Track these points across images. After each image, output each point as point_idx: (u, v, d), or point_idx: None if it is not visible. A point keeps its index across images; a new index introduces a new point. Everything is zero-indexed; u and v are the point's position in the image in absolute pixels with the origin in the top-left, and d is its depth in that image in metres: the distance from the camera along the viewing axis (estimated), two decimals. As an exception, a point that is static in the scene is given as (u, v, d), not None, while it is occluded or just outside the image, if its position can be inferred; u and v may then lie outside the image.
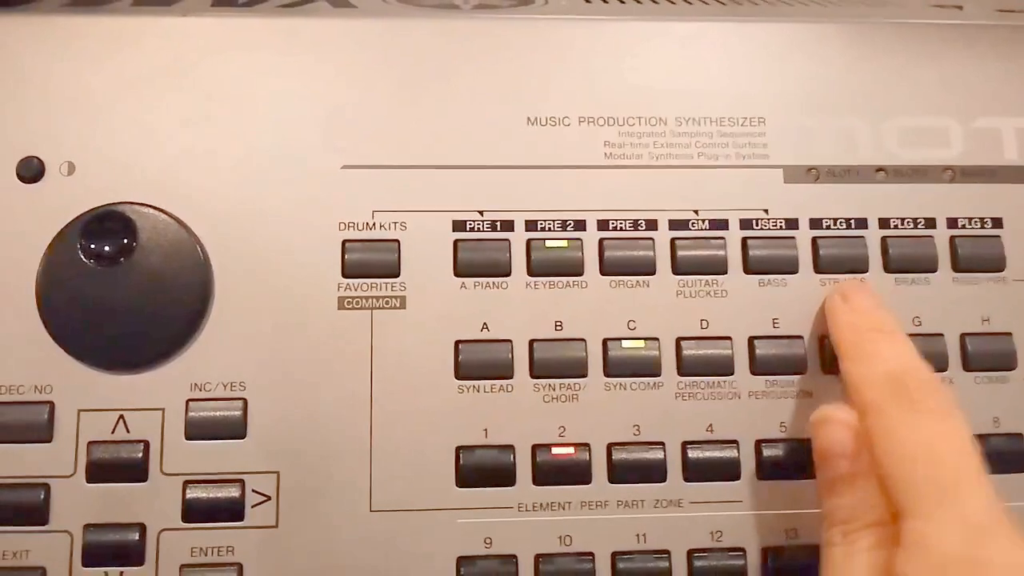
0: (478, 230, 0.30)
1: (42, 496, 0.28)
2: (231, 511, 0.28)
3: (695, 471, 0.30)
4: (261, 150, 0.30)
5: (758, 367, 0.30)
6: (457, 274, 0.30)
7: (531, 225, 0.30)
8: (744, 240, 0.31)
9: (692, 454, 0.30)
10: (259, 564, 0.28)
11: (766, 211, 0.31)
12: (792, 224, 0.31)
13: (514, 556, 0.29)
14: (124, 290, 0.28)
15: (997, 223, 0.32)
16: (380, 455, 0.29)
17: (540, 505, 0.29)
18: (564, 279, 0.30)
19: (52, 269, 0.29)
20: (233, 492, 0.29)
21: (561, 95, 0.31)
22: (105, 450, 0.28)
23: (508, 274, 0.30)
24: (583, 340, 0.30)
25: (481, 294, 0.30)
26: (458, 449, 0.29)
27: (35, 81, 0.30)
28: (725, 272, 0.31)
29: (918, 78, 0.33)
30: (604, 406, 0.30)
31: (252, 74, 0.31)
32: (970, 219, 0.32)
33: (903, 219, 0.32)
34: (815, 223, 0.31)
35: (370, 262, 0.30)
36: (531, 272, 0.30)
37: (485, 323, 0.30)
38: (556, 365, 0.30)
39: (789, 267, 0.31)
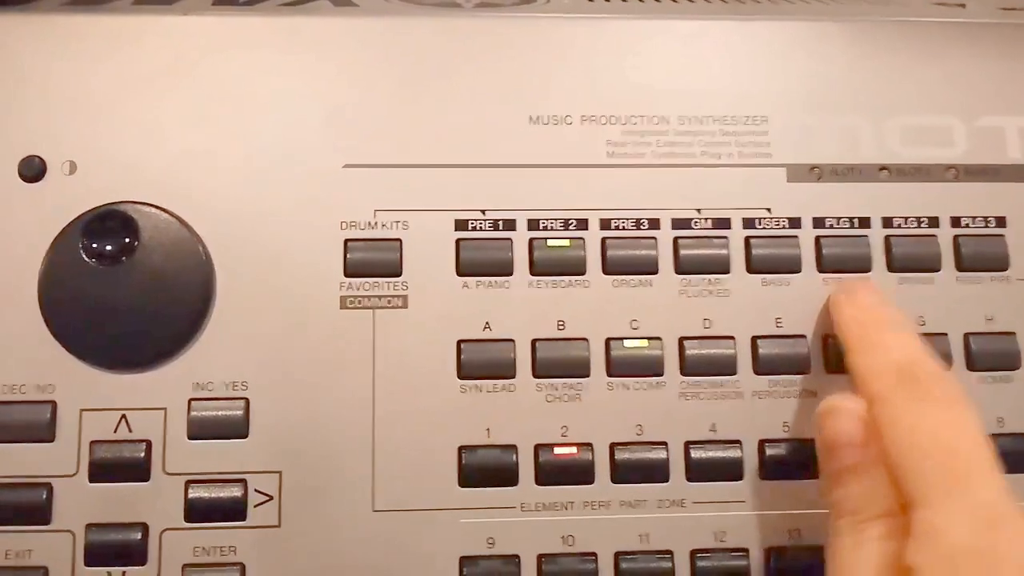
0: (480, 229, 0.30)
1: (44, 496, 0.28)
2: (233, 511, 0.28)
3: (698, 471, 0.30)
4: (263, 149, 0.30)
5: (761, 367, 0.30)
6: (459, 273, 0.30)
7: (533, 224, 0.30)
8: (747, 239, 0.31)
9: (695, 454, 0.30)
10: (261, 564, 0.28)
11: (769, 210, 0.31)
12: (795, 223, 0.31)
13: (516, 556, 0.29)
14: (126, 289, 0.28)
15: (1000, 222, 0.32)
16: (382, 455, 0.29)
17: (543, 505, 0.29)
18: (566, 278, 0.30)
19: (54, 268, 0.29)
20: (235, 492, 0.28)
21: (563, 94, 0.31)
22: (107, 450, 0.28)
23: (510, 273, 0.30)
24: (585, 340, 0.30)
25: (483, 293, 0.30)
26: (460, 449, 0.29)
27: (36, 80, 0.30)
28: (728, 271, 0.31)
29: (921, 76, 0.32)
30: (607, 406, 0.30)
31: (253, 73, 0.31)
32: (973, 218, 0.32)
33: (906, 218, 0.32)
34: (818, 222, 0.31)
35: (372, 261, 0.30)
36: (533, 271, 0.30)
37: (487, 322, 0.30)
38: (558, 365, 0.30)
39: (792, 266, 0.31)
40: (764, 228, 0.31)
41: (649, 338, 0.30)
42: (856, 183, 0.32)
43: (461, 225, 0.30)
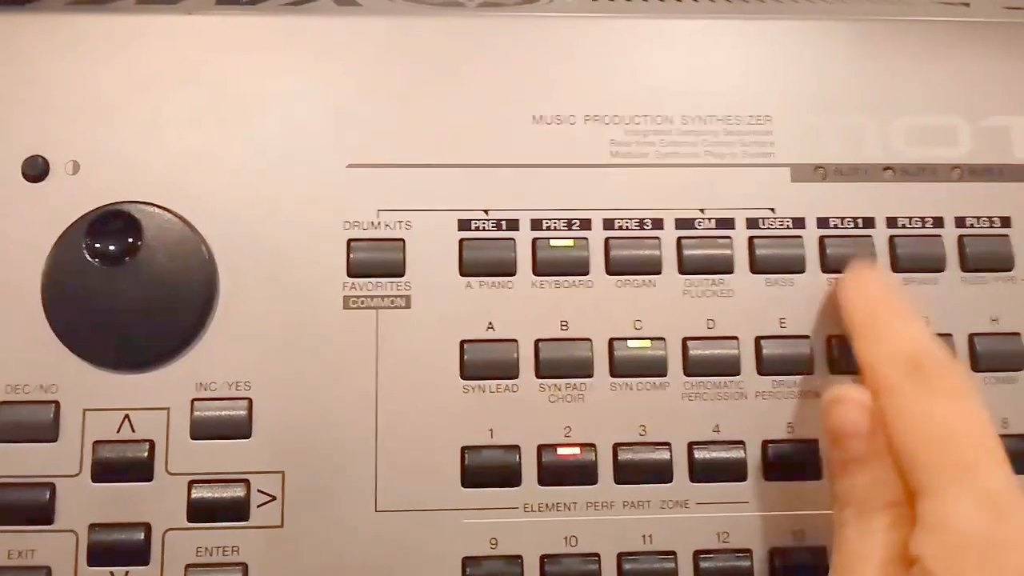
0: (483, 229, 0.30)
1: (47, 495, 0.28)
2: (236, 511, 0.28)
3: (701, 472, 0.30)
4: (266, 149, 0.30)
5: (765, 367, 0.30)
6: (462, 273, 0.30)
7: (536, 224, 0.30)
8: (751, 239, 0.31)
9: (698, 454, 0.30)
10: (264, 564, 0.28)
11: (773, 210, 0.31)
12: (799, 223, 0.31)
13: (519, 557, 0.29)
14: (129, 289, 0.28)
15: (1005, 222, 0.32)
16: (385, 455, 0.29)
17: (546, 505, 0.29)
18: (570, 278, 0.30)
19: (57, 268, 0.29)
20: (238, 492, 0.28)
21: (566, 93, 0.31)
22: (110, 449, 0.28)
23: (513, 273, 0.30)
24: (589, 340, 0.30)
25: (486, 293, 0.30)
26: (463, 449, 0.29)
27: (40, 80, 0.30)
28: (732, 271, 0.31)
29: (925, 76, 0.32)
30: (610, 406, 0.30)
31: (257, 72, 0.31)
32: (978, 218, 0.32)
33: (911, 218, 0.31)
34: (822, 222, 0.31)
35: (375, 261, 0.30)
36: (537, 271, 0.30)
37: (490, 323, 0.30)
38: (562, 365, 0.30)
39: (796, 266, 0.31)
40: (768, 228, 0.31)
41: (652, 338, 0.30)
42: (860, 183, 0.31)
43: (464, 225, 0.30)
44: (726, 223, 0.31)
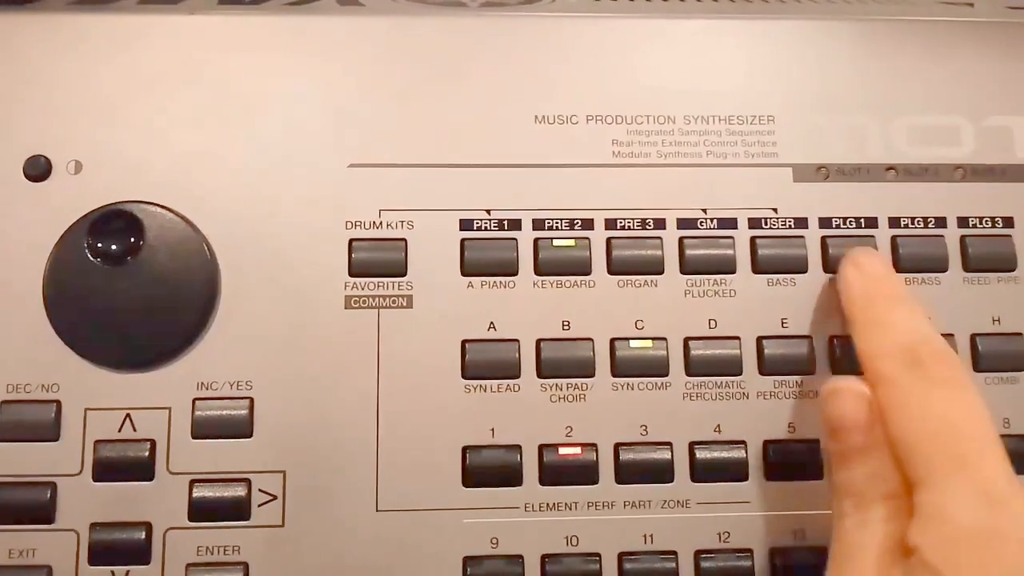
0: (485, 229, 0.30)
1: (49, 495, 0.28)
2: (237, 510, 0.28)
3: (703, 472, 0.30)
4: (268, 148, 0.30)
5: (766, 367, 0.30)
6: (464, 273, 0.30)
7: (538, 224, 0.30)
8: (753, 239, 0.31)
9: (700, 454, 0.30)
10: (265, 563, 0.28)
11: (775, 210, 0.31)
12: (801, 223, 0.31)
13: (520, 556, 0.29)
14: (131, 289, 0.28)
15: (1008, 222, 0.32)
16: (387, 455, 0.29)
17: (547, 505, 0.29)
18: (571, 278, 0.30)
19: (59, 268, 0.29)
20: (239, 491, 0.28)
21: (569, 93, 0.31)
22: (112, 449, 0.28)
23: (515, 273, 0.30)
24: (590, 340, 0.30)
25: (488, 293, 0.30)
26: (465, 449, 0.29)
27: (42, 79, 0.30)
28: (734, 271, 0.31)
29: (928, 76, 0.32)
30: (611, 406, 0.30)
31: (259, 72, 0.31)
32: (981, 218, 0.32)
33: (913, 218, 0.31)
34: (824, 222, 0.31)
35: (377, 261, 0.30)
36: (538, 271, 0.30)
37: (492, 322, 0.30)
38: (563, 365, 0.30)
39: (798, 267, 0.31)
40: (770, 228, 0.31)
41: (654, 338, 0.30)
42: (863, 183, 0.31)
43: (466, 225, 0.30)
44: (728, 223, 0.31)
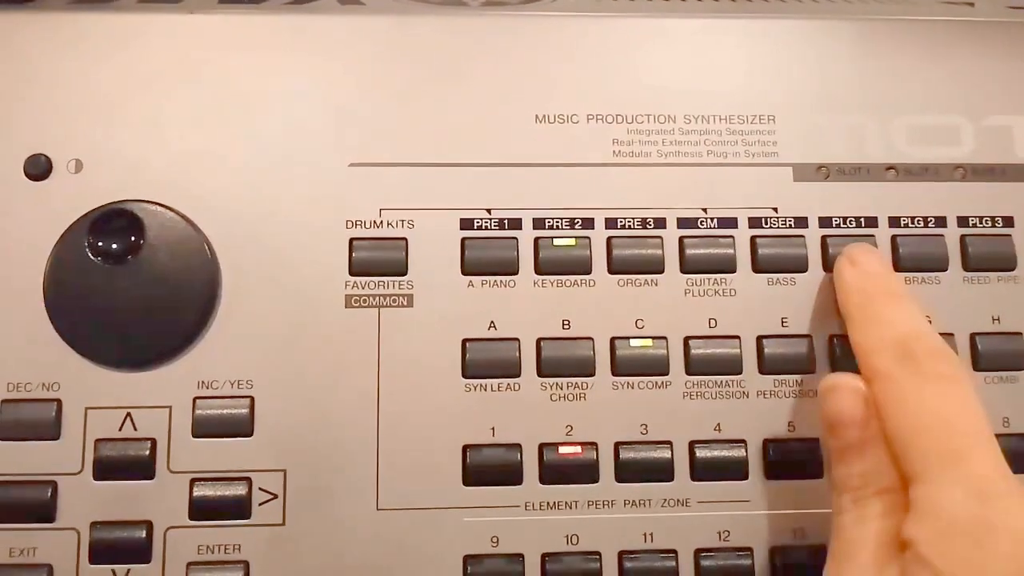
0: (486, 228, 0.30)
1: (49, 493, 0.28)
2: (238, 509, 0.28)
3: (703, 470, 0.30)
4: (268, 147, 0.30)
5: (766, 366, 0.30)
6: (464, 272, 0.30)
7: (539, 223, 0.30)
8: (753, 239, 0.31)
9: (700, 453, 0.30)
10: (266, 562, 0.28)
11: (775, 209, 0.31)
12: (801, 222, 0.31)
13: (521, 555, 0.29)
14: (131, 288, 0.28)
15: (1008, 222, 0.32)
16: (387, 453, 0.29)
17: (547, 504, 0.29)
18: (572, 277, 0.30)
19: (59, 267, 0.29)
20: (240, 490, 0.29)
21: (569, 93, 0.31)
22: (112, 448, 0.28)
23: (516, 272, 0.30)
24: (591, 339, 0.30)
25: (488, 292, 0.30)
26: (465, 448, 0.29)
27: (42, 78, 0.30)
28: (734, 271, 0.31)
29: (928, 76, 0.32)
30: (611, 405, 0.30)
31: (259, 71, 0.31)
32: (981, 218, 0.32)
33: (913, 218, 0.31)
34: (825, 222, 0.31)
35: (377, 260, 0.30)
36: (539, 270, 0.30)
37: (492, 322, 0.30)
38: (563, 364, 0.30)
39: (798, 266, 0.31)
40: (770, 227, 0.31)
41: (654, 337, 0.30)
42: (863, 182, 0.31)
43: (467, 224, 0.30)
44: (728, 222, 0.31)
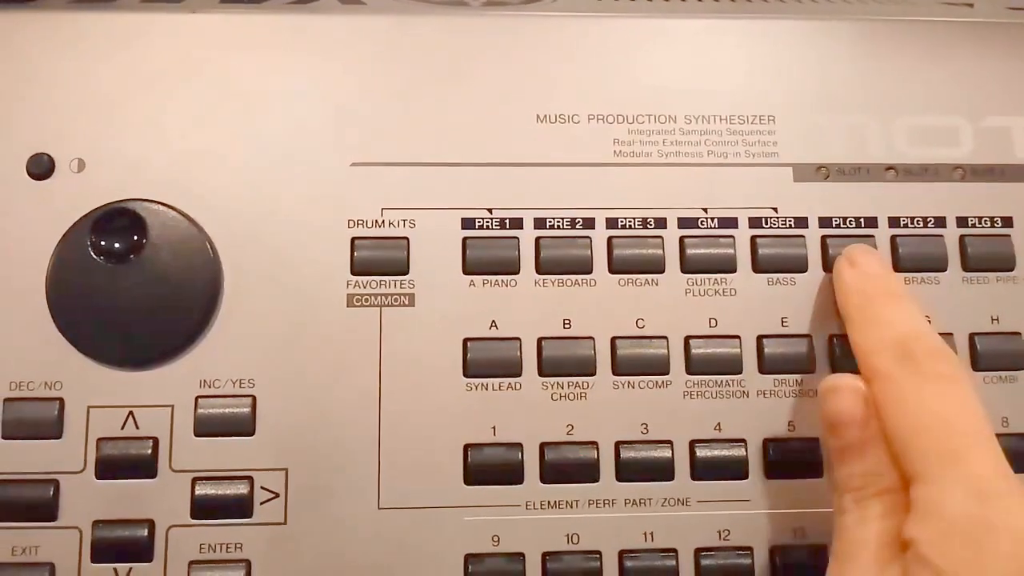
0: (487, 228, 0.30)
1: (51, 492, 0.28)
2: (240, 508, 0.29)
3: (703, 470, 0.30)
4: (270, 147, 0.30)
5: (767, 366, 0.30)
6: (466, 272, 0.30)
7: (540, 223, 0.30)
8: (753, 239, 0.31)
9: (700, 453, 0.30)
10: (267, 561, 0.28)
11: (775, 209, 0.31)
12: (801, 223, 0.31)
13: (521, 554, 0.29)
14: (134, 287, 0.29)
15: (1007, 222, 0.32)
16: (388, 452, 0.29)
17: (548, 503, 0.29)
18: (573, 277, 0.30)
19: (62, 266, 0.29)
20: (242, 489, 0.29)
21: (570, 93, 0.31)
22: (114, 446, 0.28)
23: (517, 272, 0.30)
24: (591, 338, 0.30)
25: (490, 292, 0.30)
26: (466, 447, 0.29)
27: (44, 78, 0.30)
28: (734, 271, 0.31)
29: (928, 76, 0.32)
30: (612, 404, 0.30)
31: (261, 71, 0.31)
32: (980, 218, 0.32)
33: (913, 218, 0.32)
34: (824, 222, 0.31)
35: (379, 259, 0.30)
36: (540, 270, 0.30)
37: (494, 321, 0.30)
38: (564, 363, 0.30)
39: (798, 266, 0.31)
40: (770, 227, 0.31)
41: (655, 337, 0.30)
42: (863, 183, 0.31)
43: (468, 223, 0.30)
44: (729, 222, 0.31)
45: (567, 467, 0.29)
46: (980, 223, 0.32)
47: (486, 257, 0.30)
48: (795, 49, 0.32)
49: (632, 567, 0.29)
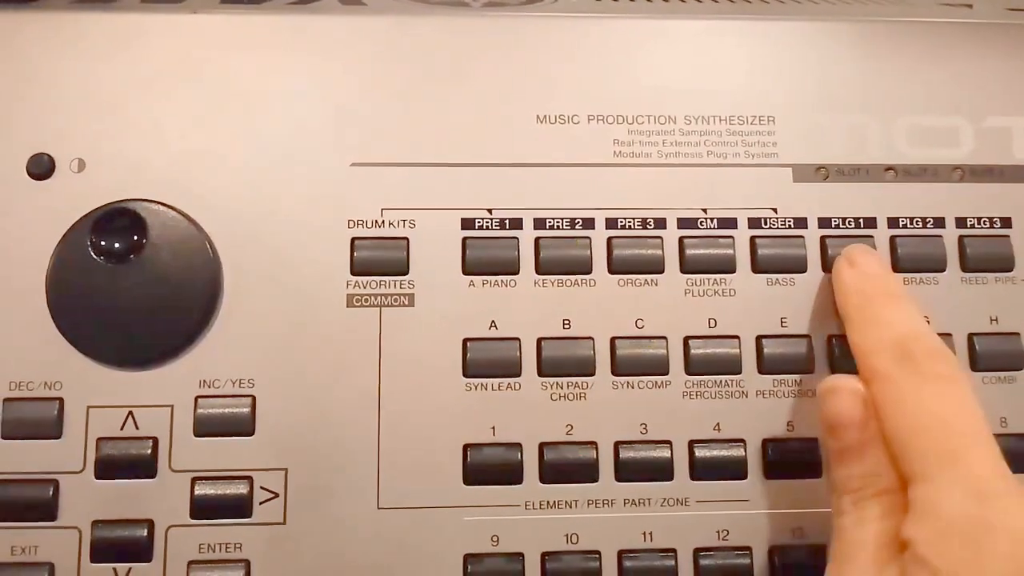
0: (487, 228, 0.30)
1: (51, 492, 0.28)
2: (239, 508, 0.29)
3: (702, 470, 0.30)
4: (270, 147, 0.30)
5: (766, 366, 0.30)
6: (466, 272, 0.30)
7: (539, 223, 0.30)
8: (752, 239, 0.31)
9: (699, 453, 0.30)
10: (267, 561, 0.28)
11: (775, 210, 0.31)
12: (801, 223, 0.31)
13: (521, 554, 0.29)
14: (134, 287, 0.29)
15: (1006, 223, 0.32)
16: (388, 453, 0.29)
17: (547, 503, 0.29)
18: (572, 277, 0.30)
19: (62, 266, 0.29)
20: (241, 489, 0.29)
21: (570, 93, 0.31)
22: (114, 446, 0.28)
23: (516, 272, 0.30)
24: (591, 339, 0.30)
25: (489, 292, 0.30)
26: (466, 447, 0.29)
27: (44, 78, 0.30)
28: (733, 271, 0.31)
29: (928, 77, 0.32)
30: (611, 404, 0.30)
31: (261, 71, 0.31)
32: (979, 219, 0.32)
33: (912, 218, 0.32)
34: (824, 222, 0.31)
35: (379, 260, 0.30)
36: (539, 270, 0.30)
37: (493, 321, 0.30)
38: (564, 363, 0.30)
39: (798, 266, 0.31)
40: (770, 228, 0.31)
41: (654, 337, 0.30)
42: (862, 183, 0.32)
43: (468, 224, 0.30)
44: (728, 223, 0.31)
45: (566, 467, 0.29)
46: (979, 224, 0.32)
47: (486, 257, 0.30)
48: (795, 49, 0.32)
49: (631, 567, 0.29)
